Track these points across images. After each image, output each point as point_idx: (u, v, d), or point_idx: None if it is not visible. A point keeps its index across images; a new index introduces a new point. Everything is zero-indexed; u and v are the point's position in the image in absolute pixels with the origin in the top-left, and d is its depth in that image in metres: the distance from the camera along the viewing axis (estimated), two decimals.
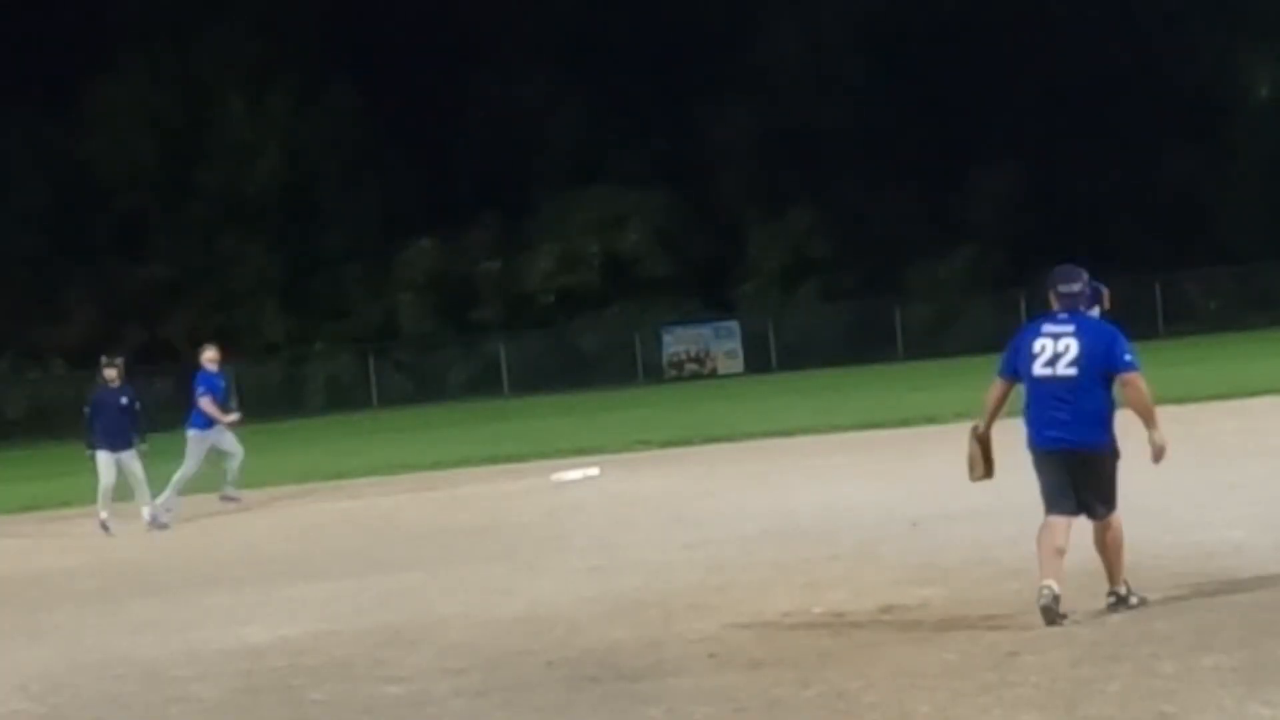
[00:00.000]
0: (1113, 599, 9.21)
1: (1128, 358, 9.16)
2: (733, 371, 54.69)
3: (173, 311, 60.51)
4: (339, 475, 24.50)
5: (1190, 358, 33.45)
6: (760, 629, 9.48)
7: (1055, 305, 9.41)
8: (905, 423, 23.85)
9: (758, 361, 55.17)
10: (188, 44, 60.63)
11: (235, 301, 60.44)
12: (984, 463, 9.59)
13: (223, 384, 20.64)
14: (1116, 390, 9.19)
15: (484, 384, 56.27)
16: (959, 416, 23.30)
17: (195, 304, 60.51)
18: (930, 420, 23.74)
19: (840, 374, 44.53)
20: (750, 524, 14.24)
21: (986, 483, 9.78)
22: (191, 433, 20.30)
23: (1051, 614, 8.84)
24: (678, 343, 56.48)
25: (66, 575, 15.18)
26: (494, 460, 24.35)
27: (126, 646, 10.76)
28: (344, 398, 56.14)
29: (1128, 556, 9.32)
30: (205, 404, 20.02)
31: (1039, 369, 9.19)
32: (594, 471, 20.65)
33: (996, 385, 9.54)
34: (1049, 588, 8.87)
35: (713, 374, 54.65)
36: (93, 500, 24.01)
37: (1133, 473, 11.82)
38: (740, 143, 59.69)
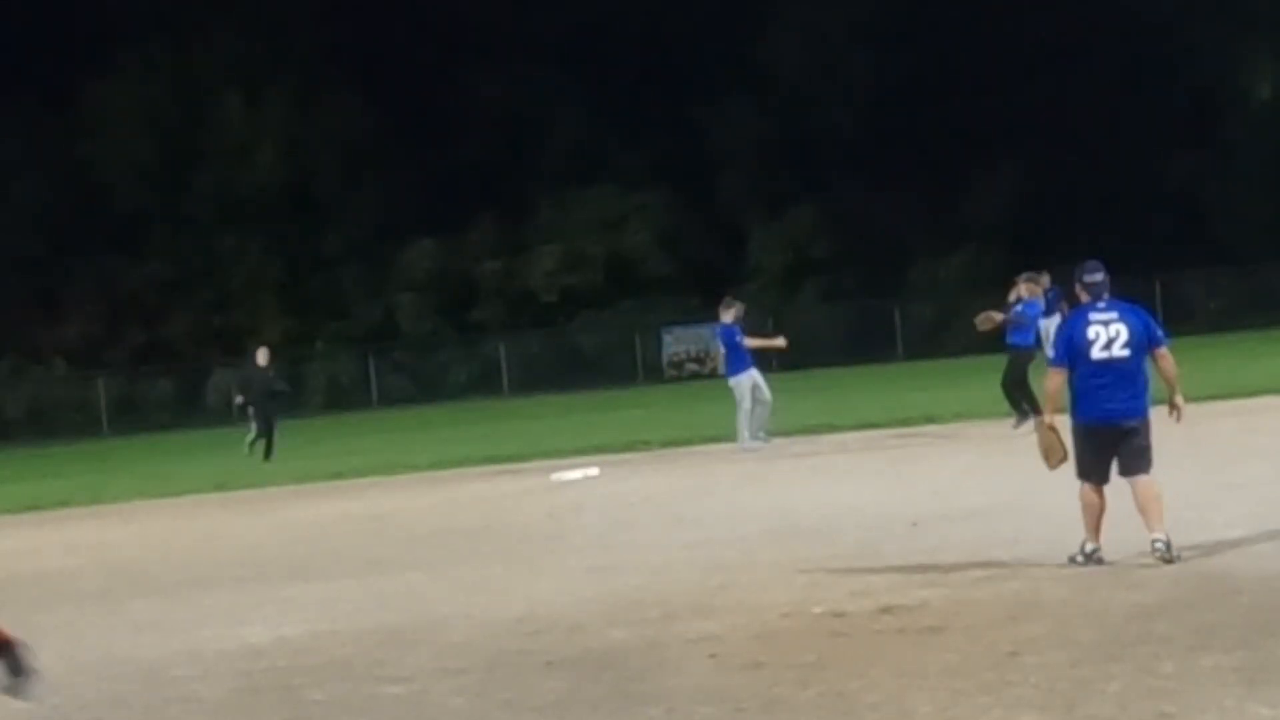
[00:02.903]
0: (1159, 544, 10.27)
1: (1160, 333, 10.69)
2: None
3: (173, 311, 60.57)
4: (339, 475, 24.49)
5: (1190, 358, 33.28)
6: (760, 629, 9.48)
7: (1084, 296, 10.62)
8: (905, 423, 23.84)
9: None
10: (187, 43, 60.69)
11: (235, 301, 60.48)
12: (1061, 448, 10.77)
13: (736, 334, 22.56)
14: (1148, 361, 10.63)
15: (484, 384, 56.30)
16: (959, 416, 23.45)
17: (195, 304, 60.57)
18: (930, 420, 23.74)
19: (840, 374, 44.52)
20: (750, 524, 14.23)
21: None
22: (734, 380, 22.22)
23: (1095, 560, 10.32)
24: (678, 343, 56.45)
25: (66, 575, 15.16)
26: (494, 460, 24.34)
27: (126, 646, 10.76)
28: (344, 398, 56.15)
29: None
30: (749, 341, 22.78)
31: (1097, 353, 10.38)
32: (594, 471, 20.64)
33: (1056, 376, 10.65)
34: (1100, 550, 10.39)
35: (713, 374, 54.53)
36: (97, 500, 24.07)
37: None
38: (741, 143, 59.72)
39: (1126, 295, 10.98)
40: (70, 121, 59.76)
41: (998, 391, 21.48)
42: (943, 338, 53.36)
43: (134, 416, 54.87)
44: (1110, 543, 10.61)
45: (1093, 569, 10.32)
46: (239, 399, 30.45)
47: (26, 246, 59.24)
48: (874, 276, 55.50)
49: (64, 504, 23.67)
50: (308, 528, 17.77)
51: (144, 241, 60.72)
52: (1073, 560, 10.43)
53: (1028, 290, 20.69)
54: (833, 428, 24.39)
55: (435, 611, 11.05)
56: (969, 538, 12.13)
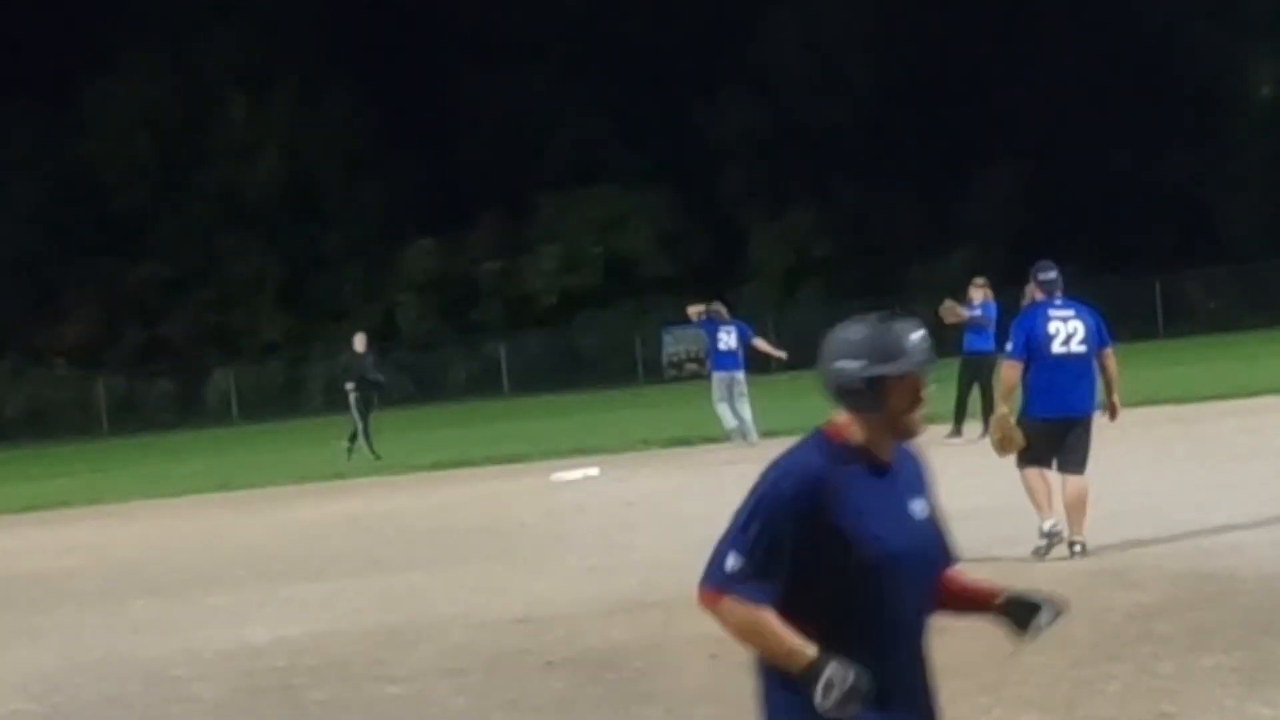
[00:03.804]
0: (1077, 547, 10.58)
1: (1108, 335, 10.99)
2: None
3: (172, 311, 60.56)
4: (339, 475, 24.50)
5: (1190, 358, 33.41)
6: None
7: (1039, 293, 10.93)
8: None
9: (758, 361, 55.05)
10: (188, 43, 60.67)
11: (235, 301, 60.46)
12: (1020, 438, 10.91)
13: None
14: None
15: (484, 384, 56.27)
16: None
17: (195, 304, 60.56)
18: (930, 420, 23.72)
19: None
20: None
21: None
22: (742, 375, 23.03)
23: (1054, 543, 10.49)
24: (678, 343, 56.38)
25: (66, 575, 15.16)
26: (494, 460, 24.33)
27: (126, 646, 10.75)
28: (344, 398, 56.07)
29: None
30: (760, 344, 24.41)
31: (1057, 348, 10.66)
32: (594, 471, 20.63)
33: (1014, 368, 10.86)
34: (1058, 523, 10.55)
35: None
36: (97, 500, 24.04)
37: (1133, 472, 11.87)
38: (742, 143, 59.71)
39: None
40: (70, 120, 59.76)
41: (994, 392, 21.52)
42: (943, 337, 53.35)
43: (134, 416, 54.89)
44: (1109, 543, 10.61)
45: (1092, 569, 10.31)
46: (349, 385, 29.21)
47: (26, 246, 59.24)
48: (874, 276, 55.45)
49: (64, 504, 23.65)
50: (308, 528, 17.76)
51: (144, 241, 60.68)
52: (1037, 550, 10.58)
53: (982, 295, 21.17)
54: None
55: (435, 611, 11.05)
56: (969, 538, 12.09)
